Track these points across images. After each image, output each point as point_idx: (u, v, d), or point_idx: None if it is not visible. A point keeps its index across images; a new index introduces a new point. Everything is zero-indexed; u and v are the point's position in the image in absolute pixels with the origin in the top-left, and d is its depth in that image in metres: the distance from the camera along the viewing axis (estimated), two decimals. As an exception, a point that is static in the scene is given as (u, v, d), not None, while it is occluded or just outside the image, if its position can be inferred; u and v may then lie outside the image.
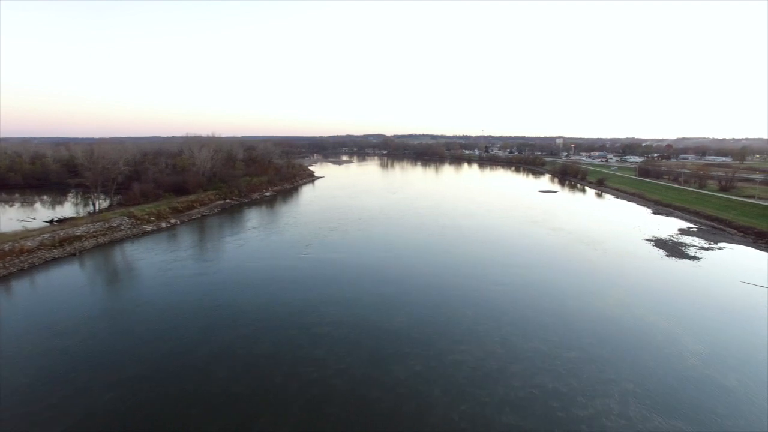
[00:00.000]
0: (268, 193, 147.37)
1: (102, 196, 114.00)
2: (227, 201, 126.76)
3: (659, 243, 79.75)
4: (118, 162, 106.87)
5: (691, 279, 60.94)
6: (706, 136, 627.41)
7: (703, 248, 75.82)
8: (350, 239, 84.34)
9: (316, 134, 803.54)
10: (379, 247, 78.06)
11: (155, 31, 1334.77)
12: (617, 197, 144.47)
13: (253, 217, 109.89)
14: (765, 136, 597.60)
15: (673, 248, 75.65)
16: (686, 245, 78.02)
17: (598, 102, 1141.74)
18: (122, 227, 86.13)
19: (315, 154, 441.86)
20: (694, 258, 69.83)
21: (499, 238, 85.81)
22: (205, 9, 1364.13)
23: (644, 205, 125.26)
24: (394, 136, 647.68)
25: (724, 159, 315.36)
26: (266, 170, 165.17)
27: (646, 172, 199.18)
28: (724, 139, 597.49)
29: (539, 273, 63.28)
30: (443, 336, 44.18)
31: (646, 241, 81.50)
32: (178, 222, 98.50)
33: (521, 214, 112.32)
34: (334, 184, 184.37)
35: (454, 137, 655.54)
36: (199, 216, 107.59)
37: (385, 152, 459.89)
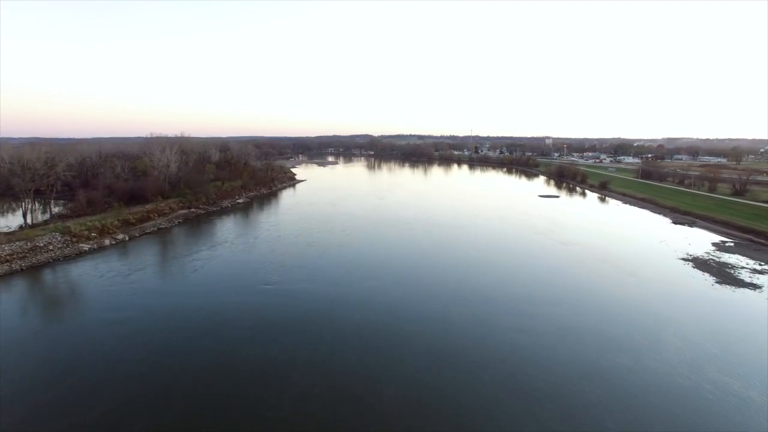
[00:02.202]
0: (241, 200, 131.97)
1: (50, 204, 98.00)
2: (192, 210, 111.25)
3: (699, 264, 67.04)
4: (56, 166, 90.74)
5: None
6: (692, 137, 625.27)
7: (756, 271, 63.15)
8: (329, 260, 70.05)
9: (302, 134, 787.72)
10: (363, 272, 63.87)
11: (155, 31, 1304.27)
12: (625, 203, 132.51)
13: (220, 230, 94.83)
14: (749, 137, 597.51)
15: (719, 271, 62.94)
16: (733, 267, 65.37)
17: (584, 102, 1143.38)
18: (51, 247, 70.52)
19: (300, 155, 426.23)
20: (754, 286, 56.93)
21: (504, 258, 72.43)
22: (194, 10, 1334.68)
23: (659, 213, 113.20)
24: (381, 136, 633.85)
25: (719, 159, 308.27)
26: (240, 174, 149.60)
27: (648, 174, 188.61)
28: (707, 139, 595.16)
29: (564, 312, 49.74)
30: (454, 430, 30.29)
31: (682, 261, 68.79)
32: (127, 238, 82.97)
33: (524, 224, 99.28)
34: (316, 189, 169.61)
35: (442, 137, 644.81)
36: (155, 229, 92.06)
37: (372, 153, 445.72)
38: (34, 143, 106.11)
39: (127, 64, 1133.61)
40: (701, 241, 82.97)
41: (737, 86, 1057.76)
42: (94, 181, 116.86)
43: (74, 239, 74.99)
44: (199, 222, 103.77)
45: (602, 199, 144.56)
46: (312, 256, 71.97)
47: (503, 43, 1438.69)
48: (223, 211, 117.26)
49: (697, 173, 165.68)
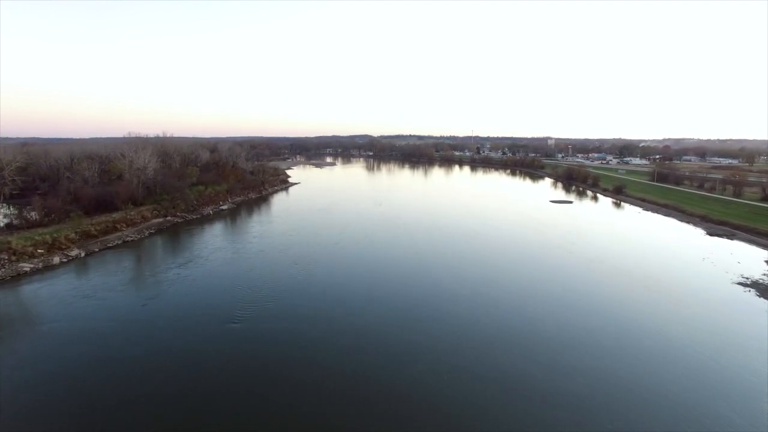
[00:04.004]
0: (225, 206, 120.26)
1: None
2: (168, 218, 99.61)
3: (763, 290, 55.52)
4: (2, 169, 79.04)
5: None
6: (693, 137, 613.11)
7: (840, 302, 51.73)
8: (316, 285, 58.54)
9: (301, 135, 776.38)
10: (355, 303, 52.35)
11: (155, 32, 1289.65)
12: (646, 209, 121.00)
13: (195, 242, 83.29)
14: (750, 137, 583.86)
15: (793, 302, 51.52)
16: (808, 296, 53.93)
17: (584, 102, 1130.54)
18: (-19, 269, 59.03)
19: (298, 156, 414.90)
20: None
21: (524, 281, 60.87)
22: (194, 10, 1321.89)
23: (687, 222, 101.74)
24: (381, 136, 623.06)
25: (730, 161, 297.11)
26: (227, 177, 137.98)
27: (663, 177, 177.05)
28: (709, 140, 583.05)
29: (615, 367, 38.23)
30: None
31: (741, 287, 57.30)
32: (83, 254, 71.39)
33: (540, 235, 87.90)
34: (310, 193, 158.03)
35: (442, 137, 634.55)
36: (120, 242, 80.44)
37: (371, 153, 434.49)
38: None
39: (126, 64, 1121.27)
40: (751, 258, 71.52)
41: (738, 87, 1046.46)
42: (60, 186, 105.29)
43: (14, 257, 63.46)
44: (174, 232, 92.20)
45: (618, 205, 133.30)
46: (296, 280, 60.48)
47: (503, 43, 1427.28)
48: (204, 220, 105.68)
49: (719, 176, 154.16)
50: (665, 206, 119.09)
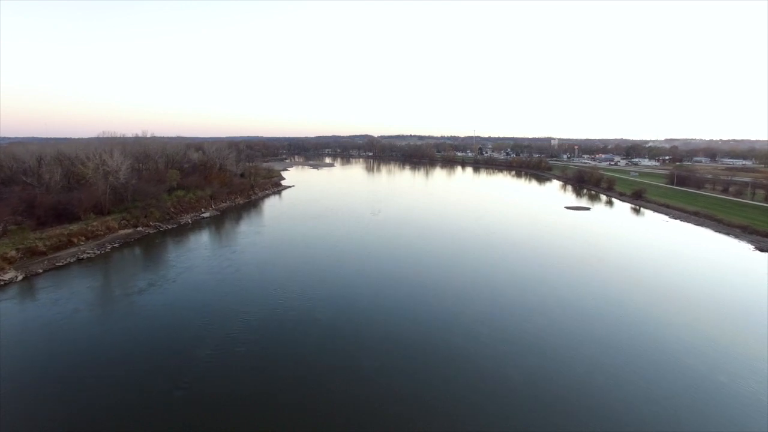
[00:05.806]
0: (207, 214, 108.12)
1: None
2: (138, 229, 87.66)
3: None
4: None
5: None
6: (695, 137, 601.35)
7: None
8: (297, 320, 46.62)
9: (300, 135, 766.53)
10: (347, 353, 40.42)
11: (156, 31, 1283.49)
12: (674, 218, 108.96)
13: (163, 259, 71.44)
14: (753, 137, 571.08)
15: None
16: None
17: (585, 102, 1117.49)
18: None
19: (296, 156, 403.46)
20: None
21: (548, 301, 48.88)
22: (194, 9, 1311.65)
23: (727, 233, 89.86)
24: (381, 136, 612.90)
25: (743, 162, 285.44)
26: (211, 180, 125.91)
27: (682, 180, 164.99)
28: (712, 140, 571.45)
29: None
30: None
31: (836, 327, 45.54)
32: (20, 276, 59.32)
33: (561, 249, 76.20)
34: (304, 197, 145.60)
35: (442, 138, 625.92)
36: (73, 260, 68.46)
37: (371, 154, 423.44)
38: None
39: (128, 64, 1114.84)
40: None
41: (740, 86, 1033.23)
42: (11, 192, 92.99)
43: (-73, 285, 51.54)
44: (143, 246, 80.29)
45: (639, 212, 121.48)
46: (275, 314, 48.59)
47: (503, 43, 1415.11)
48: (181, 230, 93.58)
49: (747, 179, 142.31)
50: (695, 214, 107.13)
